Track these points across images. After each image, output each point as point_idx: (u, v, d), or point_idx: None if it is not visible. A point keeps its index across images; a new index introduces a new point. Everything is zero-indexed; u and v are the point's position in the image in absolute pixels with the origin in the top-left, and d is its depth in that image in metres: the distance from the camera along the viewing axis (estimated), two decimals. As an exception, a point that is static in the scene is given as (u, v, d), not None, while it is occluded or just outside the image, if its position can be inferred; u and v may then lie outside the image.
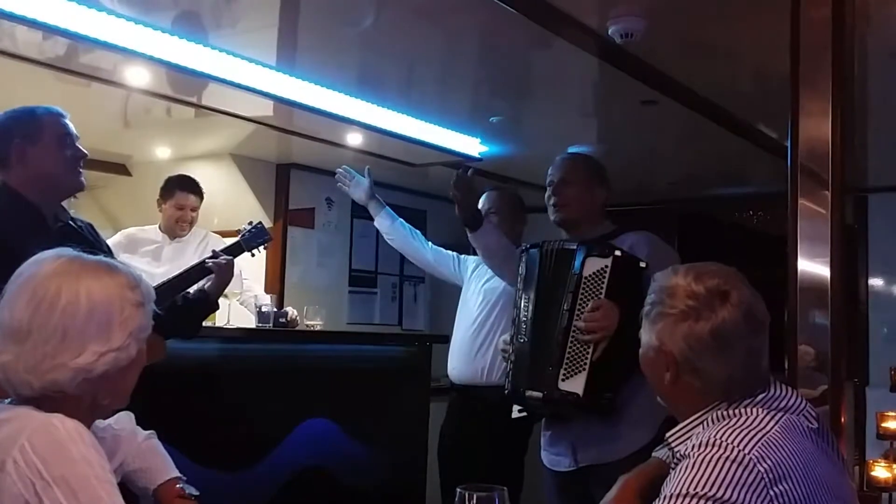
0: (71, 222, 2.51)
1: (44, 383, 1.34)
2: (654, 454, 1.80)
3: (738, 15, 2.94)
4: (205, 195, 4.44)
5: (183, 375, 3.37)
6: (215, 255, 2.88)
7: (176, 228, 4.34)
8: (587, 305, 2.45)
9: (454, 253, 3.82)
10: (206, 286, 2.85)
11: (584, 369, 2.41)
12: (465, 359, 3.61)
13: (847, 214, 2.77)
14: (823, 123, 2.47)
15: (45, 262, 1.43)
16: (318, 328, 4.50)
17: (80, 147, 2.45)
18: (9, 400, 1.40)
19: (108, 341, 1.37)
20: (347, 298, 5.86)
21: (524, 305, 2.62)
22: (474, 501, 1.30)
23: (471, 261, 3.78)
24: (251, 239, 3.14)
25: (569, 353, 2.45)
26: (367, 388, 3.76)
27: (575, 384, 2.42)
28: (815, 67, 2.49)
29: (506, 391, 2.65)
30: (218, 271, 2.81)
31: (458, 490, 1.31)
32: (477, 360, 3.57)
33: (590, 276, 2.47)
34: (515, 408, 2.68)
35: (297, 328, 4.31)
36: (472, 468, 3.38)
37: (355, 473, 3.51)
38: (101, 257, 1.51)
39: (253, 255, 3.15)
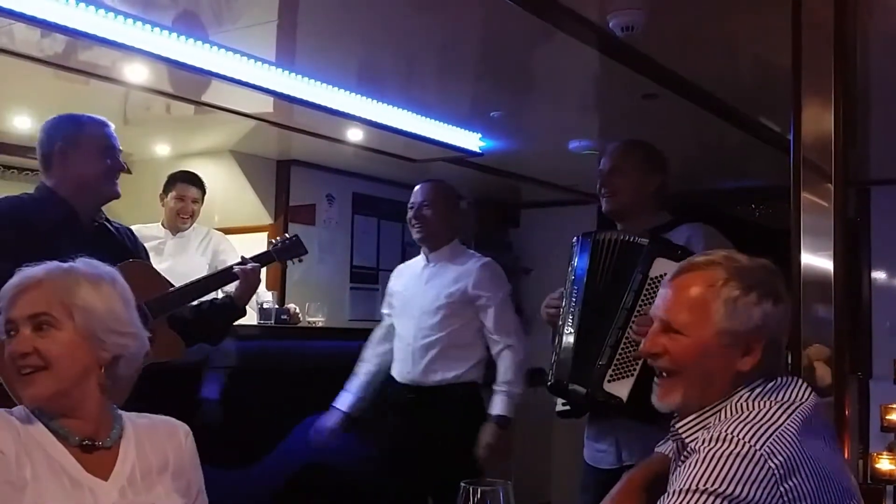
0: (107, 223, 2.65)
1: None
2: (657, 449, 1.79)
3: (739, 7, 2.93)
4: (206, 192, 4.43)
5: (186, 373, 3.37)
6: (244, 261, 2.87)
7: (177, 221, 4.33)
8: (647, 307, 2.28)
9: (384, 312, 3.69)
10: (232, 292, 2.86)
11: (631, 374, 2.32)
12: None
13: (849, 207, 2.76)
14: (825, 116, 2.46)
15: None
16: (320, 325, 4.50)
17: (119, 159, 2.59)
18: None
19: None
20: (349, 295, 5.85)
21: (573, 296, 2.52)
22: (479, 496, 1.29)
23: (392, 281, 3.68)
24: (283, 250, 3.08)
25: (620, 354, 2.35)
26: (369, 384, 3.74)
27: (620, 388, 2.33)
28: (816, 59, 2.48)
29: (548, 383, 2.56)
30: (244, 277, 2.80)
31: (462, 484, 1.30)
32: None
33: (656, 277, 2.33)
34: (559, 401, 2.60)
35: (298, 325, 4.31)
36: (444, 468, 3.27)
37: (358, 469, 3.51)
38: (48, 263, 1.61)
39: (285, 266, 3.14)
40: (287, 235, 3.13)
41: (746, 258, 1.60)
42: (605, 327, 2.40)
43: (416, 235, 3.50)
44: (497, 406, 3.32)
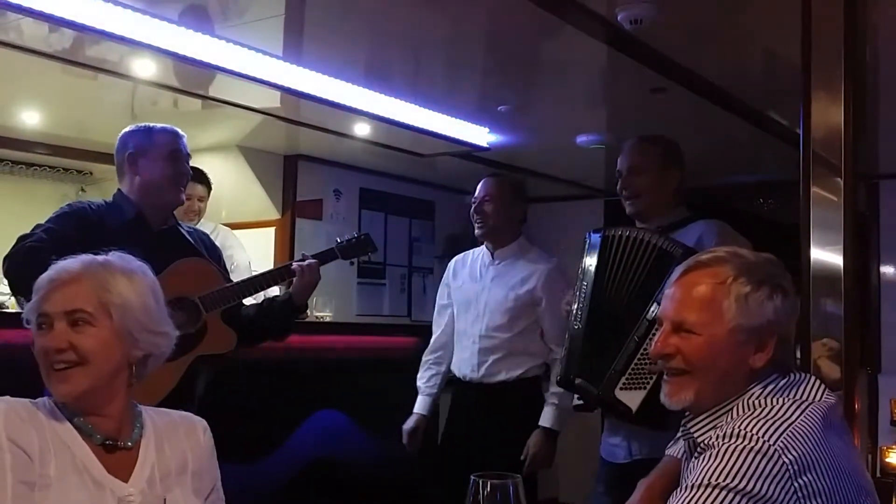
0: (178, 227, 2.76)
1: None
2: (667, 451, 1.78)
3: (748, 0, 2.92)
4: (212, 187, 4.43)
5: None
6: (303, 257, 2.86)
7: (184, 219, 4.32)
8: None
9: (442, 303, 3.63)
10: (290, 289, 2.86)
11: (644, 387, 2.31)
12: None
13: (859, 201, 2.74)
14: (835, 110, 2.45)
15: None
16: (328, 320, 4.51)
17: (185, 166, 2.71)
18: None
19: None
20: (356, 290, 5.85)
21: (582, 290, 2.51)
22: (489, 489, 1.28)
23: (452, 272, 3.61)
24: (349, 247, 2.99)
25: (636, 364, 2.34)
26: (376, 379, 3.76)
27: (631, 398, 2.33)
28: (826, 53, 2.46)
29: (557, 377, 2.58)
30: (300, 274, 2.78)
31: (472, 478, 1.30)
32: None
33: None
34: (575, 396, 2.60)
35: (306, 320, 4.31)
36: (484, 462, 3.29)
37: (365, 464, 3.51)
38: (81, 256, 1.61)
39: (351, 263, 3.09)
40: (356, 233, 3.06)
41: (751, 253, 1.59)
42: (623, 332, 2.38)
43: (476, 231, 3.45)
44: (547, 417, 3.30)
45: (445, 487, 3.38)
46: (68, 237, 2.40)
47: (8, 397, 1.51)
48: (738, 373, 1.51)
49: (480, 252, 3.55)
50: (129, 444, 1.57)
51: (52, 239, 2.43)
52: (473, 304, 3.42)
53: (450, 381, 3.54)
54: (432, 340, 3.60)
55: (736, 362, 1.50)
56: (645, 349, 2.30)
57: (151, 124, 2.73)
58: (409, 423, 3.47)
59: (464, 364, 3.41)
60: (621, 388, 2.35)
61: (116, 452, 1.55)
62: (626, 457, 2.56)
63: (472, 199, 3.47)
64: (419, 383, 3.55)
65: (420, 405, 3.49)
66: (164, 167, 2.64)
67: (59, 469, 1.46)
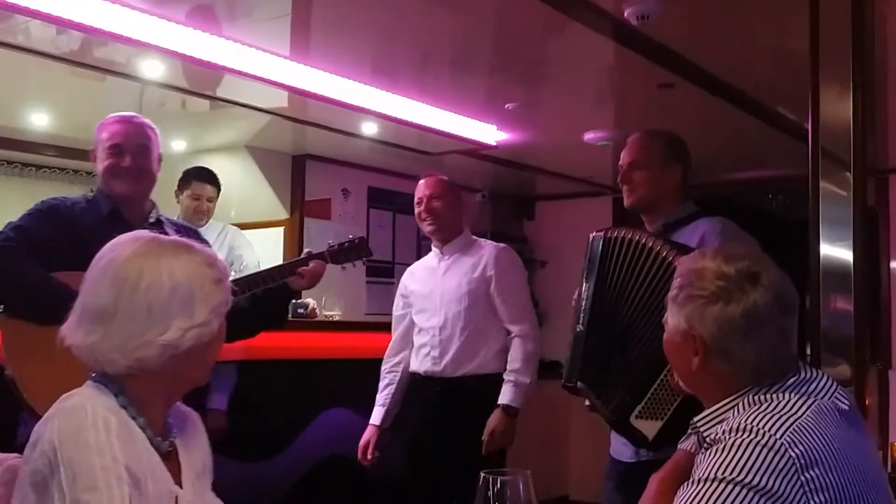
0: (162, 221, 2.65)
1: (130, 361, 1.39)
2: (679, 445, 1.77)
3: (756, -5, 2.92)
4: (221, 187, 4.44)
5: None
6: (308, 255, 2.77)
7: (193, 219, 4.33)
8: None
9: (397, 314, 3.61)
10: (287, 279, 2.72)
11: (662, 418, 2.27)
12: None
13: (868, 196, 2.74)
14: (844, 104, 2.44)
15: (124, 245, 1.47)
16: (337, 318, 4.52)
17: (125, 157, 2.55)
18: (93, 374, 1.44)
19: (192, 317, 1.42)
20: (365, 289, 5.86)
21: (585, 291, 2.47)
22: (499, 486, 1.29)
23: (407, 281, 3.60)
24: (340, 252, 2.87)
25: (654, 393, 2.28)
26: (386, 377, 3.76)
27: (648, 427, 2.29)
28: (834, 48, 2.46)
29: (563, 380, 2.57)
30: (302, 275, 2.68)
31: (483, 474, 1.30)
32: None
33: None
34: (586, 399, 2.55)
35: (315, 319, 4.32)
36: (449, 456, 3.26)
37: (375, 462, 3.52)
38: (176, 238, 1.55)
39: (343, 268, 2.99)
40: (351, 236, 2.95)
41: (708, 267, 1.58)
42: (625, 338, 2.35)
43: (427, 229, 3.46)
44: (505, 395, 3.30)
45: (413, 483, 3.38)
46: (39, 236, 2.36)
47: (94, 401, 1.37)
48: (687, 374, 1.60)
49: (429, 255, 3.58)
50: (171, 445, 1.50)
51: (20, 238, 2.37)
52: (430, 299, 3.44)
53: (412, 381, 3.49)
54: (388, 349, 3.57)
55: (680, 363, 1.60)
56: (663, 379, 2.25)
57: (112, 114, 2.66)
58: (365, 437, 3.43)
59: (425, 359, 3.40)
60: (637, 417, 2.31)
61: (169, 457, 1.47)
62: (633, 456, 2.54)
63: (417, 200, 3.46)
64: (378, 394, 3.52)
65: (376, 416, 3.47)
66: (103, 158, 2.56)
67: (155, 499, 1.38)
